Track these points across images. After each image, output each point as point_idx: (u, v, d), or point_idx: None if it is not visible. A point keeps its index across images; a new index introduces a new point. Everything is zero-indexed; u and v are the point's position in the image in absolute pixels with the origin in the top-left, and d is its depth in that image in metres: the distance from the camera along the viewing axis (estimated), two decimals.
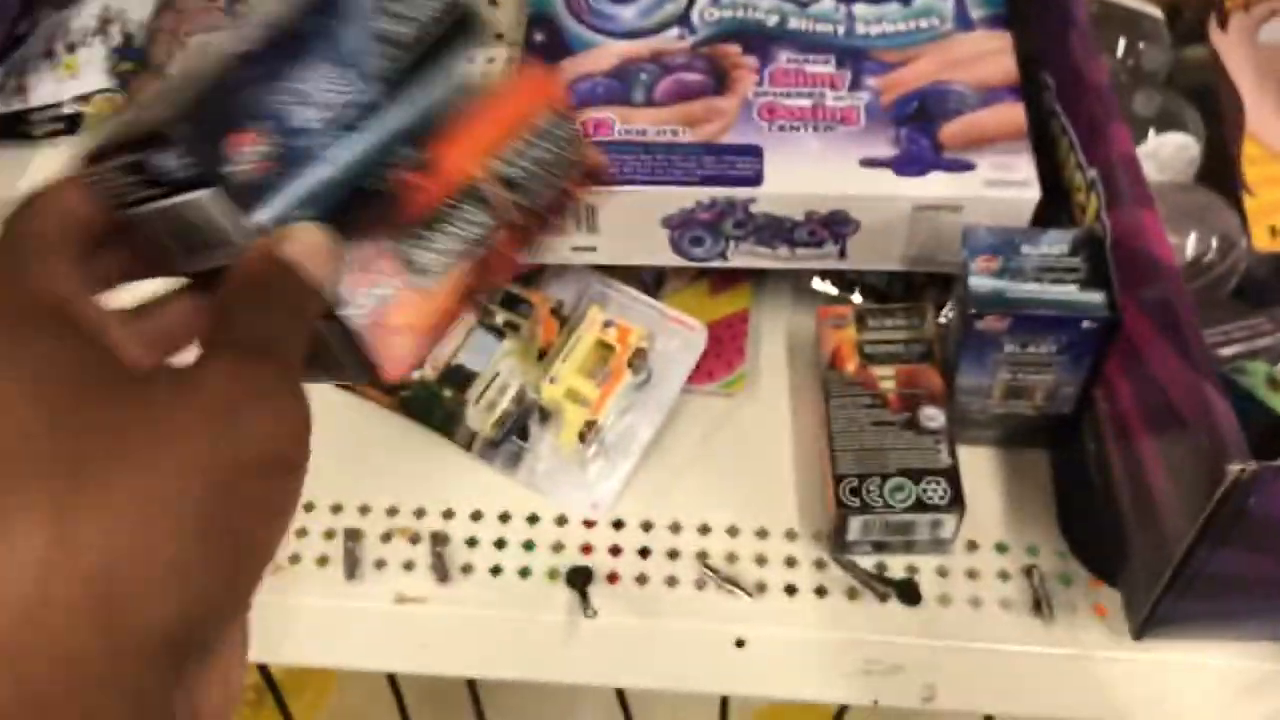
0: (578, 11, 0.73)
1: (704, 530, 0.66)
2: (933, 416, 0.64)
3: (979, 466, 0.67)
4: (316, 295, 0.30)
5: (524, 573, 0.65)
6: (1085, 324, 0.58)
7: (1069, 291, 0.59)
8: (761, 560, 0.65)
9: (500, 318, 0.71)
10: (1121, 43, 0.76)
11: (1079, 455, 0.65)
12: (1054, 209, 0.68)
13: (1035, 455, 0.68)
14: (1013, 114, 0.66)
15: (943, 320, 0.68)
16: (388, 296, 0.34)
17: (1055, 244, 0.60)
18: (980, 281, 0.59)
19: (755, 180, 0.64)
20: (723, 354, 0.71)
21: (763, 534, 0.66)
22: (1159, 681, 0.61)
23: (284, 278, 0.29)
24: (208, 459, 0.23)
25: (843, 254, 0.67)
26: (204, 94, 0.31)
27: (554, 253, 0.68)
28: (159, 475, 0.23)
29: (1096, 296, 0.58)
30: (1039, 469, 0.67)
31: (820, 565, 0.64)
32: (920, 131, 0.65)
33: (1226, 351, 0.59)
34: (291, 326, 0.29)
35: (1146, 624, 0.59)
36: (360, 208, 0.34)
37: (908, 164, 0.64)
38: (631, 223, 0.66)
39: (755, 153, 0.65)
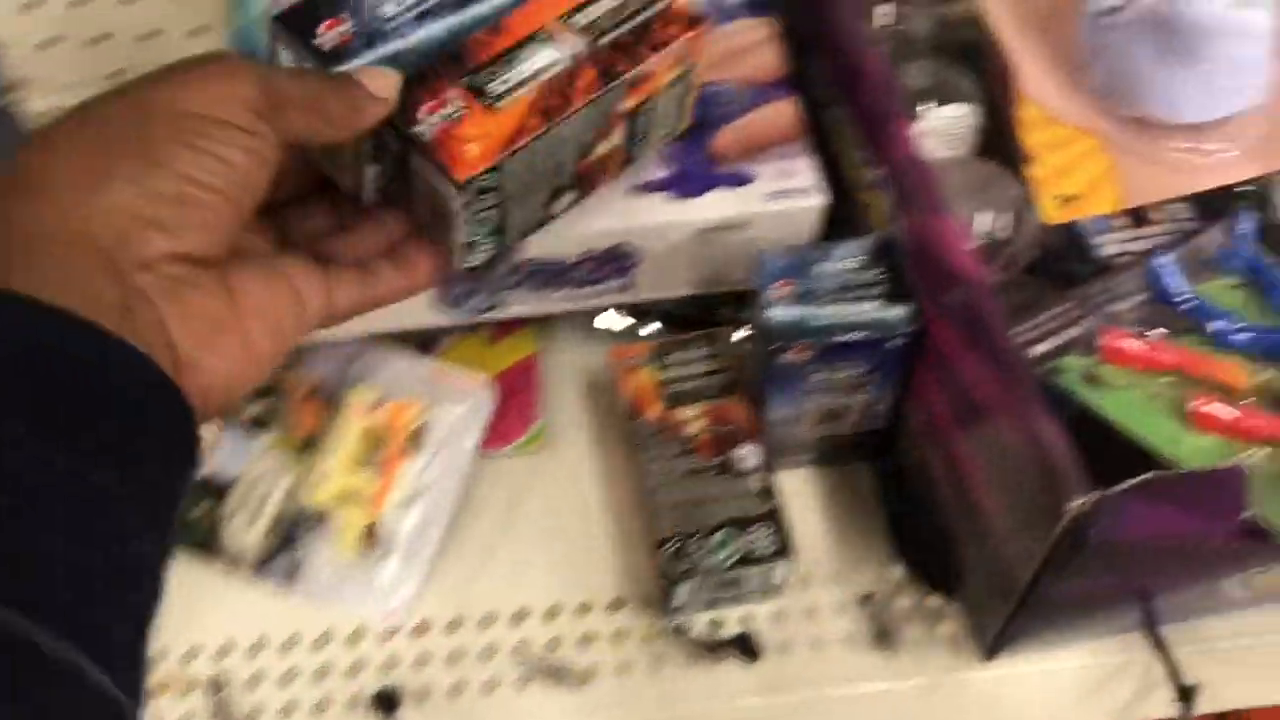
0: None
1: (520, 617, 0.59)
2: (746, 456, 0.59)
3: (802, 490, 0.63)
4: (372, 100, 0.41)
5: (321, 707, 0.57)
6: (892, 341, 0.54)
7: (872, 309, 0.54)
8: (589, 640, 0.59)
9: (252, 410, 0.62)
10: (881, 10, 0.72)
11: (903, 468, 0.62)
12: (845, 204, 0.63)
13: (859, 470, 0.64)
14: (786, 113, 0.61)
15: (744, 334, 0.63)
16: (455, 114, 0.43)
17: (850, 257, 0.56)
18: (778, 312, 0.54)
19: None
20: (515, 410, 0.64)
21: (586, 609, 0.60)
22: (1014, 696, 0.58)
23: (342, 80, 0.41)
24: None
25: (629, 287, 0.61)
26: None
27: None
28: None
29: (900, 310, 0.54)
30: (864, 484, 0.64)
31: (652, 635, 0.59)
32: (692, 145, 0.59)
33: (1040, 349, 0.56)
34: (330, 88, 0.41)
35: (996, 644, 0.56)
36: (438, 64, 0.45)
37: (683, 184, 0.58)
38: None
39: None
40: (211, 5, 0.77)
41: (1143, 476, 0.43)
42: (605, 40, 0.47)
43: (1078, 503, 0.44)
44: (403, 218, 0.46)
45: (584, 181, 0.51)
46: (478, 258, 0.48)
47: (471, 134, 0.43)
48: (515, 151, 0.45)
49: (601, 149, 0.50)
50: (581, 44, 0.47)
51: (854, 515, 0.63)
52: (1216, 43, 0.59)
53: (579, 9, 0.48)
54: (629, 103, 0.49)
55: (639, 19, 0.48)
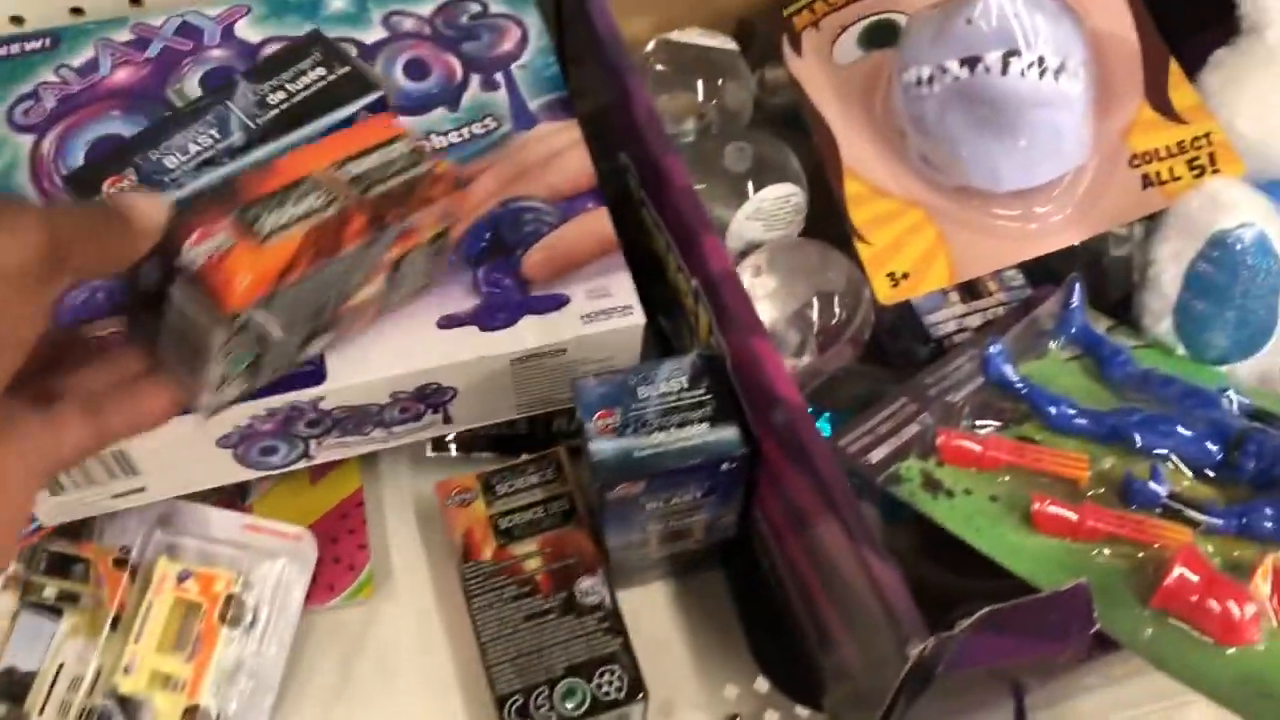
0: None
1: None
2: (590, 590, 0.55)
3: (654, 606, 0.60)
4: (138, 233, 0.38)
5: None
6: (724, 466, 0.51)
7: (700, 432, 0.51)
8: None
9: (51, 590, 0.56)
10: (700, 85, 0.70)
11: (757, 575, 0.59)
12: (666, 305, 0.60)
13: (711, 577, 0.61)
14: (598, 224, 0.57)
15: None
16: (224, 246, 0.41)
17: (674, 377, 0.53)
18: (602, 446, 0.51)
19: (318, 377, 0.52)
20: (342, 555, 0.60)
21: None
22: None
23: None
24: None
25: (448, 419, 0.57)
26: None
27: (92, 505, 0.54)
28: None
29: (729, 432, 0.51)
30: (720, 591, 0.61)
31: None
32: (500, 270, 0.55)
33: (878, 454, 0.53)
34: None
35: None
36: (209, 198, 0.44)
37: (493, 314, 0.54)
38: (180, 453, 0.53)
39: None
40: None
41: (979, 614, 0.40)
42: (375, 191, 0.46)
43: (917, 649, 0.41)
44: (140, 353, 0.43)
45: (340, 326, 0.50)
46: (226, 395, 0.47)
47: (240, 266, 0.41)
48: (283, 288, 0.43)
49: (362, 295, 0.49)
50: (352, 192, 0.45)
51: (712, 627, 0.60)
52: (1029, 113, 0.57)
53: (350, 159, 0.46)
54: (394, 252, 0.48)
55: (407, 175, 0.47)
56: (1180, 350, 0.58)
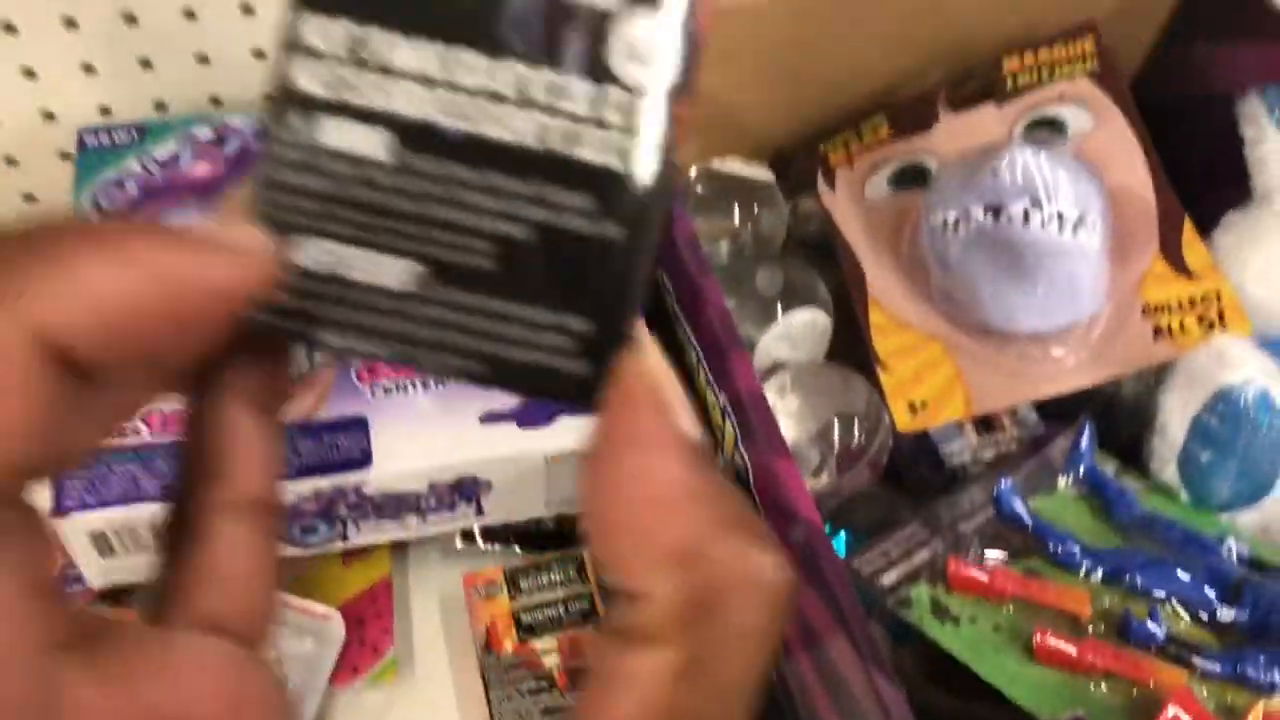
0: None
1: None
2: None
3: None
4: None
5: None
6: None
7: None
8: None
9: None
10: (736, 211, 0.74)
11: (763, 687, 0.61)
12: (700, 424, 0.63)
13: None
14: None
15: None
16: None
17: None
18: None
19: (363, 461, 0.55)
20: (367, 638, 0.62)
21: None
22: None
23: None
24: None
25: (480, 512, 0.60)
26: None
27: (137, 570, 0.57)
28: None
29: None
30: None
31: None
32: None
33: (889, 578, 0.56)
34: None
35: None
36: None
37: (532, 413, 0.57)
38: None
39: (359, 426, 0.57)
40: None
41: None
42: None
43: None
44: None
45: None
46: None
47: None
48: None
49: None
50: None
51: None
52: (1047, 262, 0.61)
53: None
54: None
55: None
56: (1185, 496, 0.60)
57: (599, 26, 0.21)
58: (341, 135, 0.21)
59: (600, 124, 0.21)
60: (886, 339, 0.66)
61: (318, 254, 0.21)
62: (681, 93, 0.21)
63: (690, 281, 0.59)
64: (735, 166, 0.75)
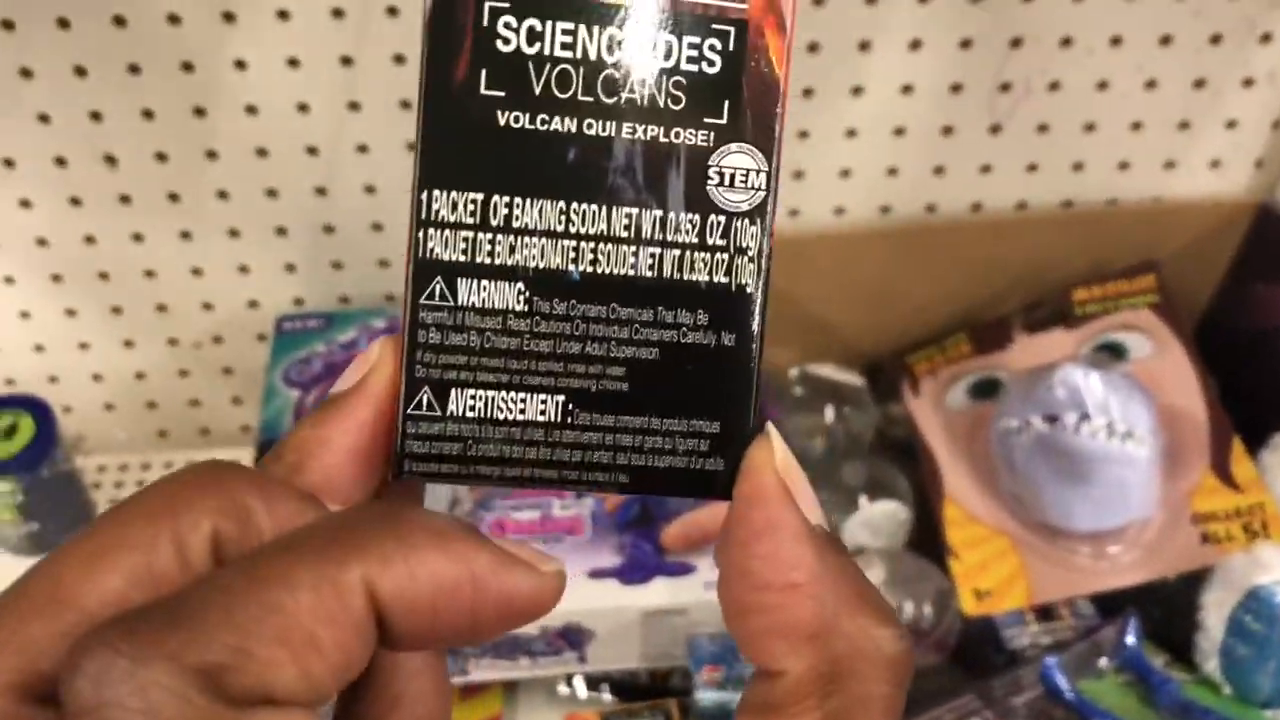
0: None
1: None
2: None
3: None
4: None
5: None
6: None
7: None
8: None
9: None
10: (829, 410, 0.83)
11: None
12: None
13: None
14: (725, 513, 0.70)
15: None
16: None
17: None
18: (706, 694, 0.61)
19: None
20: None
21: None
22: None
23: None
24: None
25: (582, 659, 0.69)
26: None
27: None
28: None
29: None
30: None
31: None
32: (643, 537, 0.68)
33: None
34: None
35: None
36: None
37: (633, 572, 0.67)
38: None
39: None
40: (249, 383, 0.89)
41: None
42: None
43: None
44: None
45: None
46: None
47: None
48: None
49: None
50: None
51: None
52: (1100, 467, 0.68)
53: None
54: None
55: None
56: (1227, 689, 0.65)
57: (696, 163, 0.23)
58: (478, 293, 0.23)
59: (706, 248, 0.23)
60: (958, 531, 0.74)
61: (469, 401, 0.23)
62: (771, 209, 0.23)
63: None
64: (830, 371, 0.85)
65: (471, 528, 0.20)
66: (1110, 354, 0.77)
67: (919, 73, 0.75)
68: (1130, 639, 0.66)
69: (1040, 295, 0.84)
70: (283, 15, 0.69)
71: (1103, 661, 0.66)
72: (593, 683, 0.73)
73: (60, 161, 0.75)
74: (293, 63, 0.71)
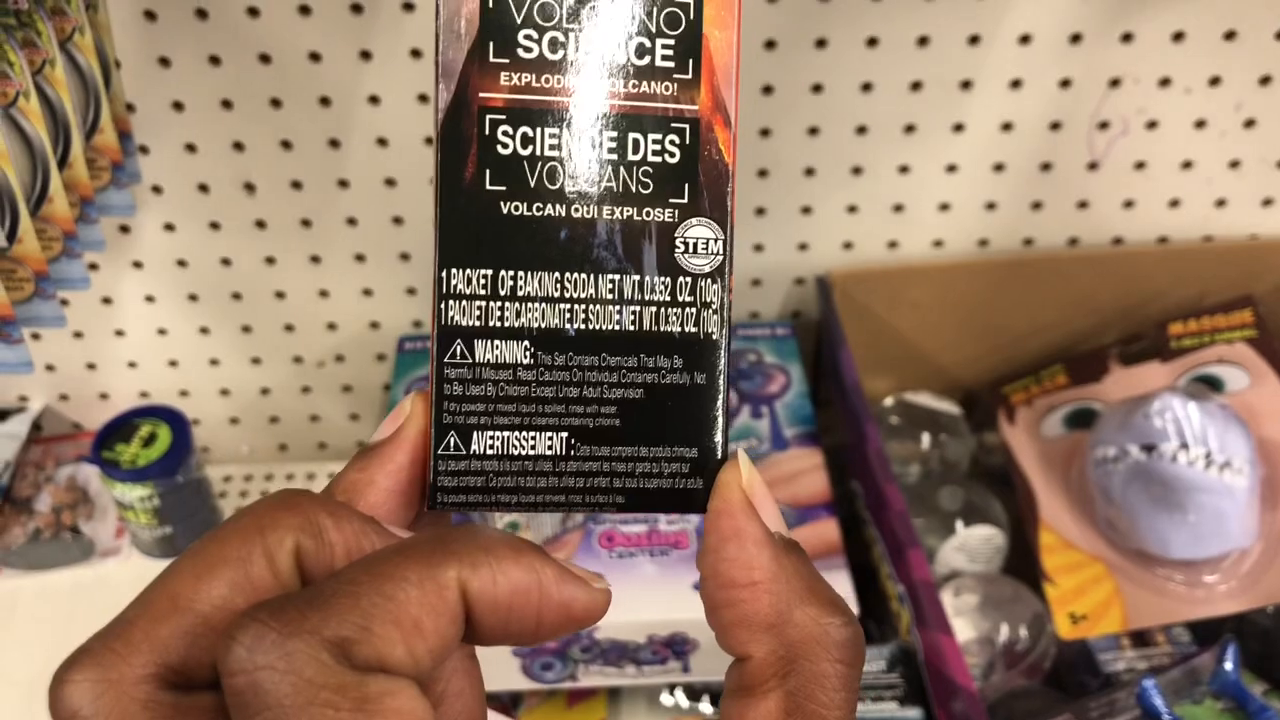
0: None
1: None
2: None
3: None
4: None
5: None
6: None
7: (890, 709, 0.63)
8: None
9: None
10: (925, 438, 0.85)
11: None
12: (878, 604, 0.73)
13: None
14: (828, 531, 0.72)
15: None
16: None
17: (873, 660, 0.65)
18: None
19: None
20: None
21: None
22: None
23: None
24: None
25: (686, 669, 0.71)
26: None
27: None
28: None
29: (914, 713, 0.63)
30: None
31: None
32: None
33: None
34: None
35: None
36: None
37: None
38: (483, 652, 0.69)
39: None
40: (366, 400, 0.94)
41: None
42: None
43: None
44: None
45: None
46: None
47: None
48: None
49: None
50: None
51: None
52: (1197, 496, 0.69)
53: None
54: None
55: None
56: None
57: (665, 236, 0.27)
58: (492, 351, 0.27)
59: (677, 304, 0.27)
60: (1054, 557, 0.76)
61: (489, 441, 0.27)
62: (729, 269, 0.27)
63: (877, 488, 0.71)
64: (926, 399, 0.87)
65: (538, 547, 0.23)
66: (1206, 387, 0.78)
67: (1019, 111, 0.78)
68: (1229, 665, 0.67)
69: (1136, 329, 0.85)
70: (415, 54, 0.73)
71: (1202, 690, 0.67)
72: (694, 693, 0.76)
73: (203, 188, 0.80)
74: (422, 98, 0.75)
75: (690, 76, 0.27)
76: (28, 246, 0.62)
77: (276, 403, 0.94)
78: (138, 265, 0.84)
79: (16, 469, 0.90)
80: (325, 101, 0.76)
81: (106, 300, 0.86)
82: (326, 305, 0.87)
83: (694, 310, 0.27)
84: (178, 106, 0.76)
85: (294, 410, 0.94)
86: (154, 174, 0.79)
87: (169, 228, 0.82)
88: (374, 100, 0.76)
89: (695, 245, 0.27)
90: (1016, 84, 0.76)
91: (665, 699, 0.76)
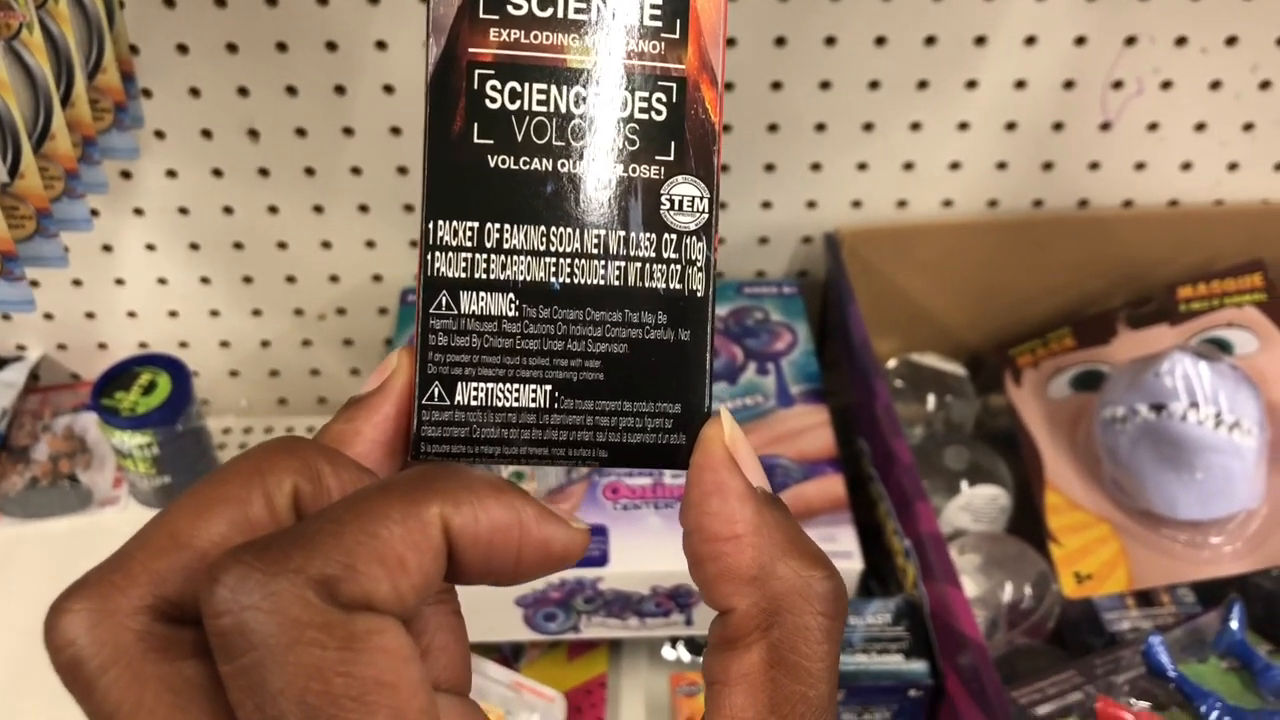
0: None
1: None
2: None
3: None
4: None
5: None
6: (912, 692, 0.62)
7: (896, 661, 0.63)
8: None
9: None
10: (931, 399, 0.85)
11: None
12: (884, 564, 0.73)
13: None
14: (833, 486, 0.72)
15: None
16: None
17: (879, 613, 0.65)
18: None
19: (602, 561, 0.68)
20: None
21: None
22: None
23: None
24: None
25: (689, 621, 0.71)
26: None
27: None
28: None
29: (920, 665, 0.63)
30: None
31: None
32: None
33: (1042, 711, 0.63)
34: None
35: None
36: None
37: None
38: (486, 603, 0.69)
39: (602, 533, 0.69)
40: (368, 355, 0.93)
41: None
42: None
43: None
44: None
45: None
46: None
47: None
48: None
49: None
50: None
51: None
52: (1206, 456, 0.69)
53: None
54: None
55: None
56: None
57: (651, 193, 0.27)
58: (477, 303, 0.27)
59: (662, 261, 0.27)
60: (1059, 517, 0.75)
61: (472, 392, 0.27)
62: (714, 227, 0.27)
63: (884, 443, 0.70)
64: (933, 360, 0.86)
65: (518, 486, 0.23)
66: (1214, 349, 0.78)
67: (1033, 68, 0.77)
68: (1234, 625, 0.67)
69: (1145, 292, 0.85)
70: None
71: (1208, 650, 0.67)
72: (695, 646, 0.76)
73: (206, 134, 0.79)
74: None
75: (678, 36, 0.27)
76: (30, 183, 0.61)
77: (277, 355, 0.93)
78: (139, 212, 0.83)
79: (14, 417, 0.89)
80: (331, 46, 0.75)
81: (107, 248, 0.85)
82: (328, 256, 0.86)
83: (679, 267, 0.27)
84: (182, 49, 0.75)
85: (294, 363, 0.93)
86: (157, 118, 0.78)
87: (171, 174, 0.81)
88: (381, 45, 0.75)
89: (680, 202, 0.27)
90: (1031, 40, 0.75)
91: (667, 652, 0.76)
